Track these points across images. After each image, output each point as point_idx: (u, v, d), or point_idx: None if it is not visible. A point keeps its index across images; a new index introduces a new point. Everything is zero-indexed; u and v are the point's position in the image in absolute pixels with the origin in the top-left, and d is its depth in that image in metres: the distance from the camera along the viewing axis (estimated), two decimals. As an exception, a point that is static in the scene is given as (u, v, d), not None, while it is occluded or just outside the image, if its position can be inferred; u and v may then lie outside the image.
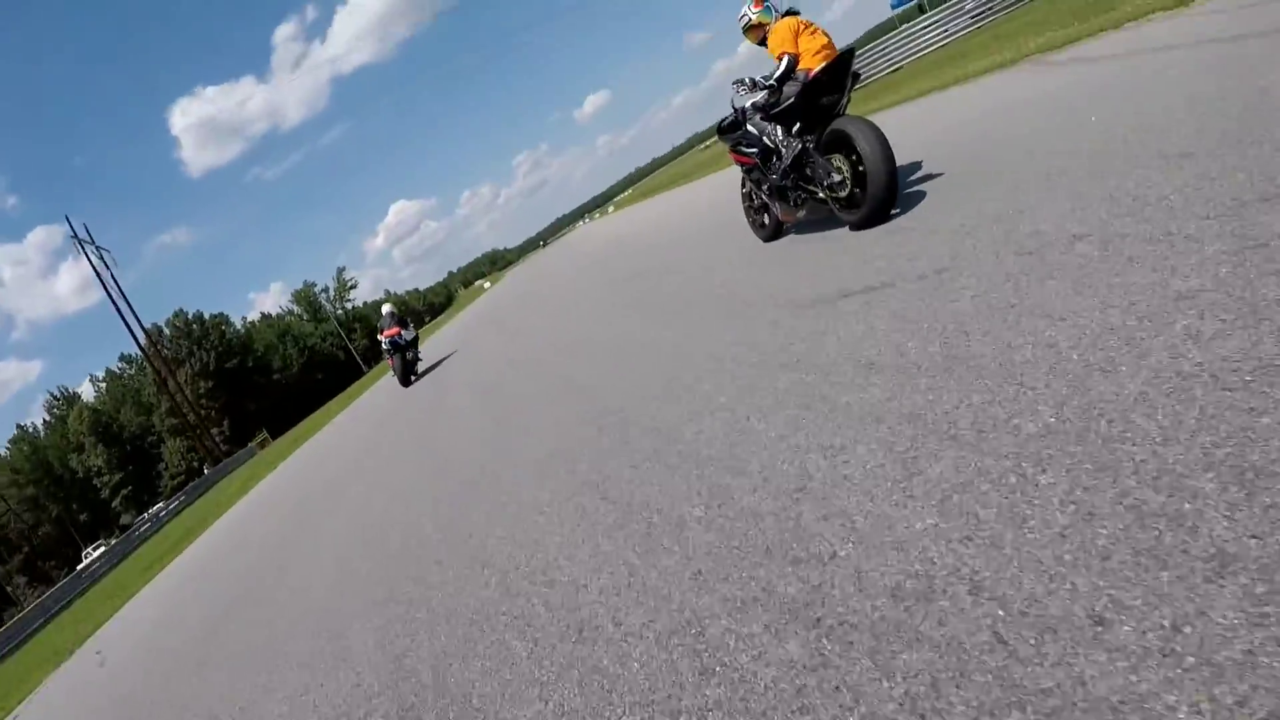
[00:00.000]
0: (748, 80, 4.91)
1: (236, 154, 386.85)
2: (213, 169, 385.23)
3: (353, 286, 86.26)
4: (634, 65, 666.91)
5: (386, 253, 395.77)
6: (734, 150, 5.33)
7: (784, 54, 4.60)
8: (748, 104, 4.94)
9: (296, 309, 79.86)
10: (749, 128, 4.98)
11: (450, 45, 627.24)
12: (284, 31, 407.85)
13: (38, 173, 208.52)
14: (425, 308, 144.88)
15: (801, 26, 4.71)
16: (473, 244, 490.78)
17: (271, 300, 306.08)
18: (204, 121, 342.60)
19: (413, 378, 12.54)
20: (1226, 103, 3.10)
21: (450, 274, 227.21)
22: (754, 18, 4.98)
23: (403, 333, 12.59)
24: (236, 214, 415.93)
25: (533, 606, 2.29)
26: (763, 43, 4.97)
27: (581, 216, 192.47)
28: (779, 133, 4.70)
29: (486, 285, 70.88)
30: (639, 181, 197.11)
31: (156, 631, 6.75)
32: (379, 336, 12.61)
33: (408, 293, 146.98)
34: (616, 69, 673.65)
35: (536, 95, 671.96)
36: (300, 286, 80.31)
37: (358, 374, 62.41)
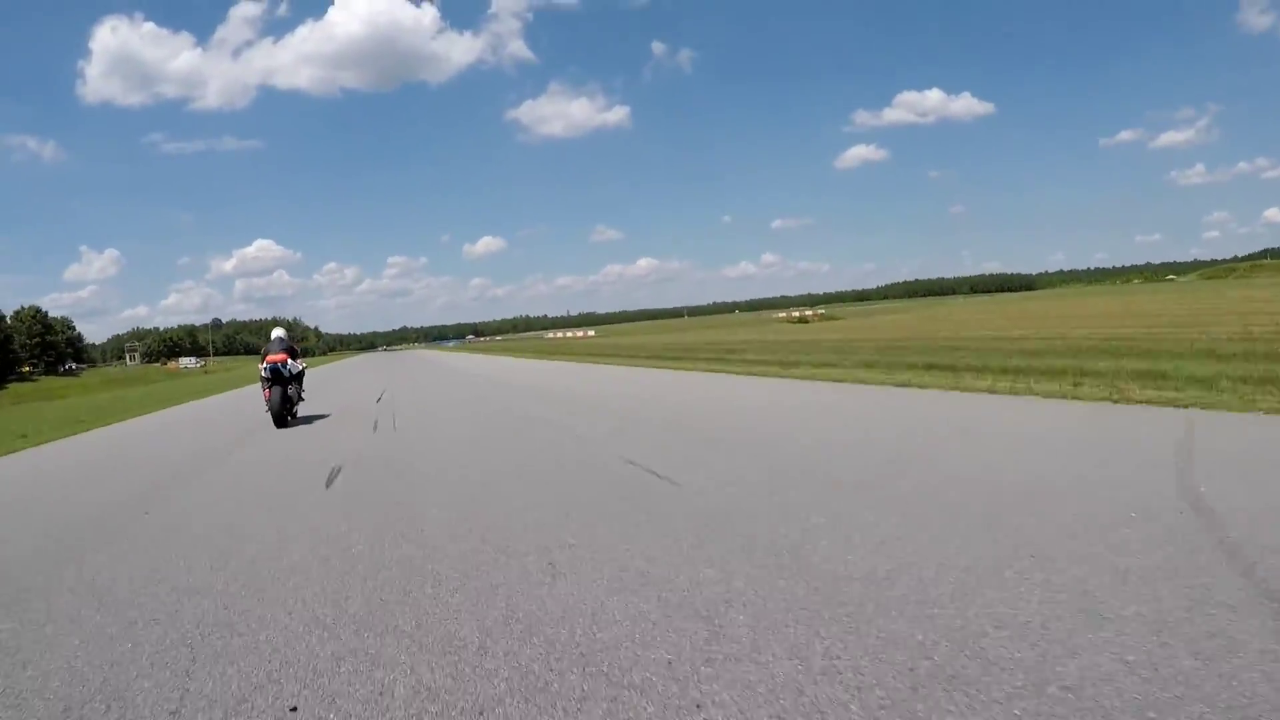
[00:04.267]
0: None
1: (138, 104, 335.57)
2: (109, 104, 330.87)
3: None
4: (538, 231, 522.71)
5: (230, 280, 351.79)
6: None
7: None
8: None
9: None
10: None
11: (395, 119, 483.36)
12: (244, 10, 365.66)
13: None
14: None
15: None
16: (312, 316, 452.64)
17: (99, 266, 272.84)
18: (126, 52, 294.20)
19: (289, 419, 10.49)
20: None
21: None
22: None
23: (290, 362, 10.45)
24: (112, 164, 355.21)
25: None
26: None
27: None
28: None
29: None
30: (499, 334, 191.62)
31: None
32: (260, 364, 10.46)
33: (180, 327, 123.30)
34: (519, 228, 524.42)
35: (441, 210, 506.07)
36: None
37: None
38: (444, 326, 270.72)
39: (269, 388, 10.29)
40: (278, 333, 11.15)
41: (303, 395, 11.32)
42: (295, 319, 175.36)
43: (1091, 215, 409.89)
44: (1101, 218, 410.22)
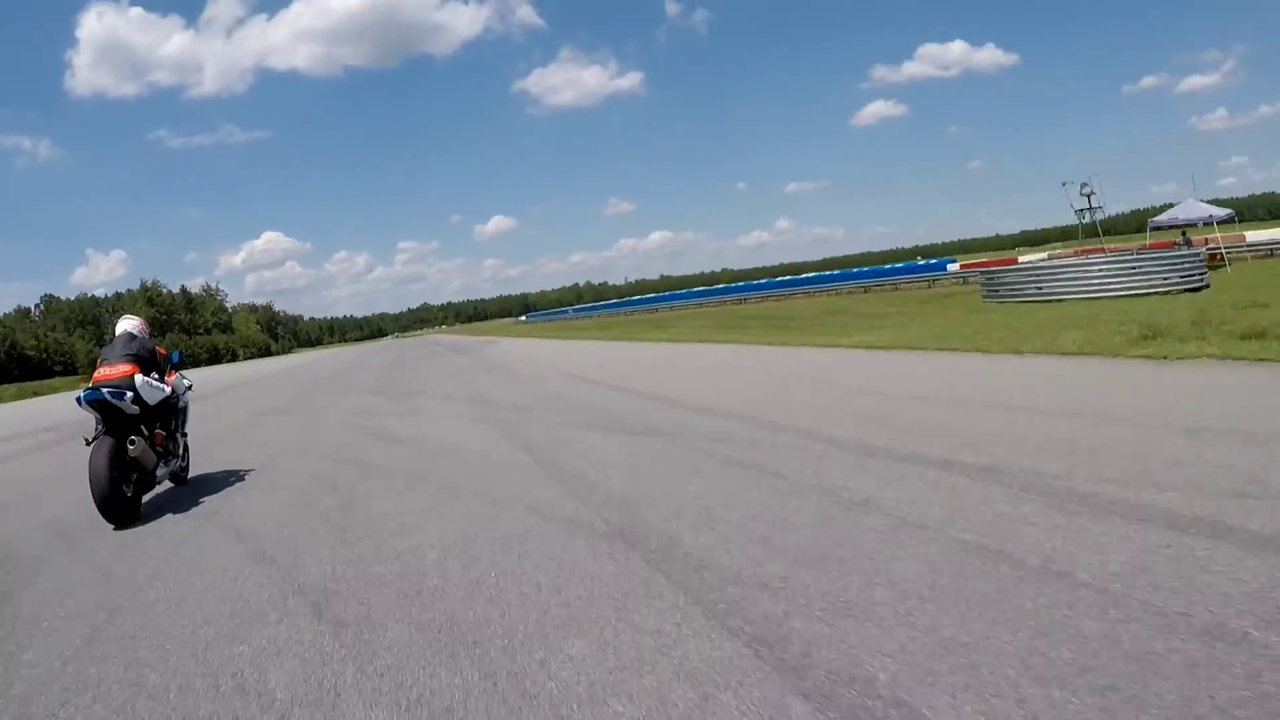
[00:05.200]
0: None
1: (132, 95, 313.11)
2: (102, 96, 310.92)
3: None
4: (548, 207, 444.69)
5: (241, 275, 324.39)
6: None
7: None
8: None
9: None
10: None
11: (399, 97, 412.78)
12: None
13: None
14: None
15: None
16: (324, 306, 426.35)
17: (106, 269, 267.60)
18: (114, 40, 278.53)
19: (135, 509, 5.00)
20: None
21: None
22: None
23: (140, 379, 5.15)
24: (110, 159, 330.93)
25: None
26: None
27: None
28: None
29: None
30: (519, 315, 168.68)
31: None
32: (81, 390, 5.14)
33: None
34: (530, 204, 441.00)
35: (450, 191, 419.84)
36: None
37: None
38: (485, 301, 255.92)
39: (98, 433, 4.96)
40: (125, 325, 5.77)
41: (185, 445, 6.13)
42: (268, 304, 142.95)
43: (1110, 166, 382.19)
44: (1120, 168, 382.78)
